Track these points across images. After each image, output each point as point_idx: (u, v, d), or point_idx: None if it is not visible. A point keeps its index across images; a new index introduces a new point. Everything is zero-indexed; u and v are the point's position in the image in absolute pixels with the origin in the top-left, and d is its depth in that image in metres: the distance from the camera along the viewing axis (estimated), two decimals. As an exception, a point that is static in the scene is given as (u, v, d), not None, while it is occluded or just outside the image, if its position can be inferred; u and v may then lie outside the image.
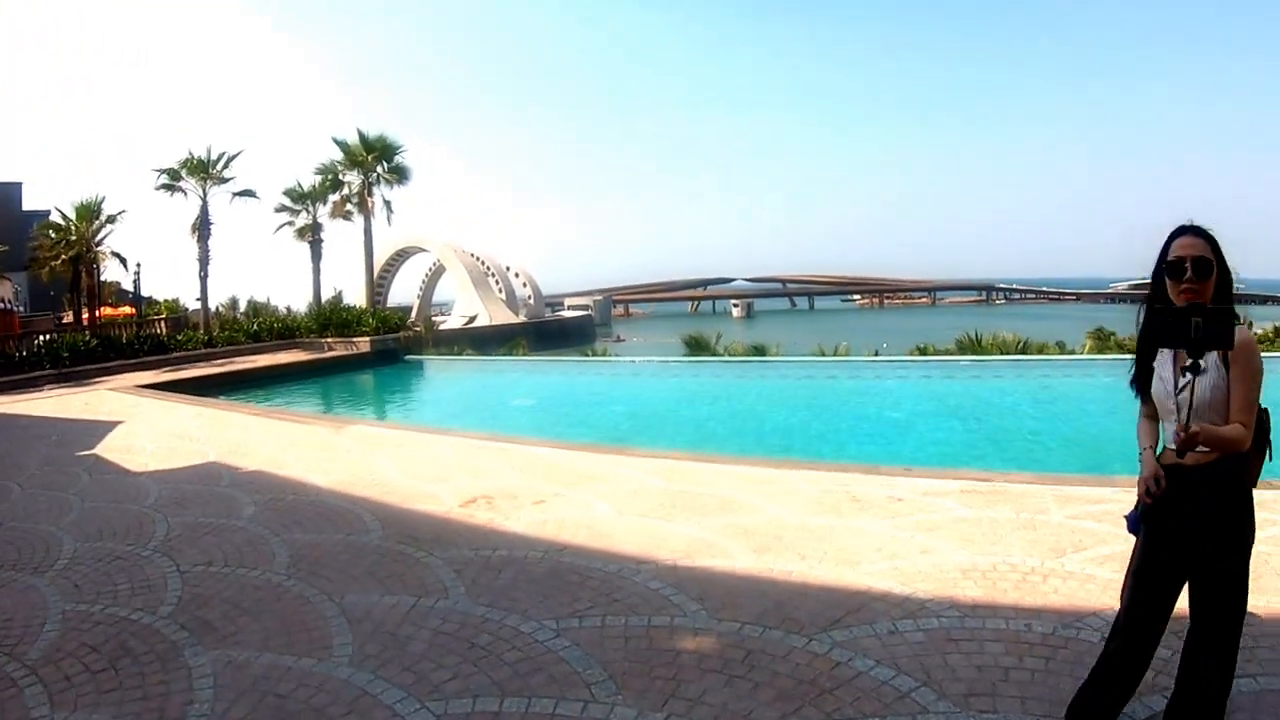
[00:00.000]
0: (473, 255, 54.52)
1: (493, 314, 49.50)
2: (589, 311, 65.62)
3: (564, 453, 7.88)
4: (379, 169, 30.98)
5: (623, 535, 5.23)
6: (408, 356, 21.86)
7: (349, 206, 31.29)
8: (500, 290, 53.96)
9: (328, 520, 5.88)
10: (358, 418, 13.36)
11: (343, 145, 31.38)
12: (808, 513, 5.43)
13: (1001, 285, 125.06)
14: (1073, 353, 17.45)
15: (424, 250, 55.02)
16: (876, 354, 19.13)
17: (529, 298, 57.90)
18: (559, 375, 19.26)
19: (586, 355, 22.52)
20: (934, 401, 12.88)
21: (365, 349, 21.33)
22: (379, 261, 39.69)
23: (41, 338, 20.56)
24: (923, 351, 17.89)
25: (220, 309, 34.65)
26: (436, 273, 56.76)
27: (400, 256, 55.08)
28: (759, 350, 18.95)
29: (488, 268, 54.75)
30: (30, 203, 52.65)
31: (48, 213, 30.87)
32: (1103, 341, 18.79)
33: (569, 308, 72.42)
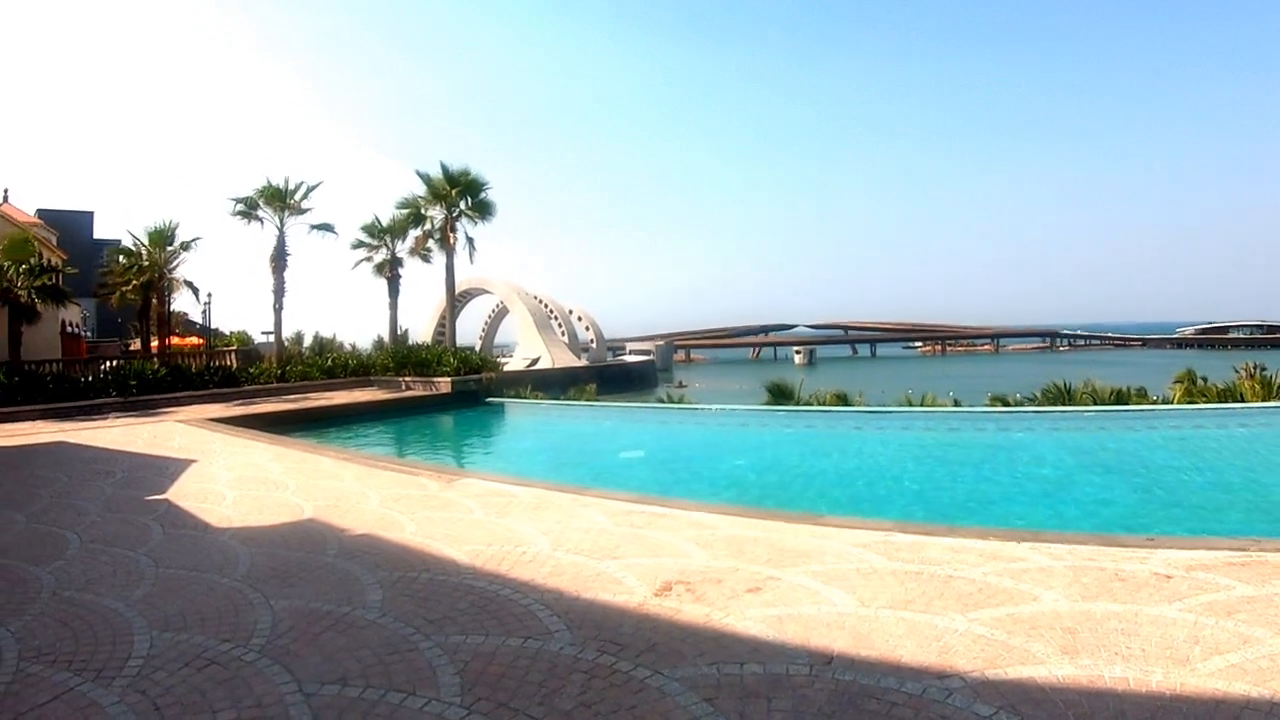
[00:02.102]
0: (535, 298, 54.04)
1: (555, 357, 48.58)
2: (650, 356, 64.26)
3: (742, 521, 6.30)
4: (462, 204, 29.74)
5: (890, 636, 3.83)
6: (488, 399, 20.47)
7: (430, 243, 30.21)
8: (563, 333, 53.23)
9: (488, 614, 4.29)
10: (464, 468, 11.93)
11: (425, 179, 30.17)
12: (1078, 596, 4.35)
13: (1065, 331, 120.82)
14: (1159, 401, 16.15)
15: (487, 291, 54.70)
16: (957, 403, 17.42)
17: (591, 341, 57.09)
18: (656, 423, 17.61)
19: (669, 402, 20.90)
20: (1080, 456, 11.61)
21: (445, 389, 20.01)
22: (444, 302, 38.93)
23: (108, 364, 19.85)
24: (1005, 402, 16.59)
25: (286, 343, 34.01)
26: (500, 314, 56.44)
27: (464, 297, 54.70)
28: (843, 399, 17.33)
29: (550, 310, 54.18)
30: (100, 232, 53.94)
31: (118, 241, 30.78)
32: (1193, 386, 16.88)
33: (631, 352, 71.45)
